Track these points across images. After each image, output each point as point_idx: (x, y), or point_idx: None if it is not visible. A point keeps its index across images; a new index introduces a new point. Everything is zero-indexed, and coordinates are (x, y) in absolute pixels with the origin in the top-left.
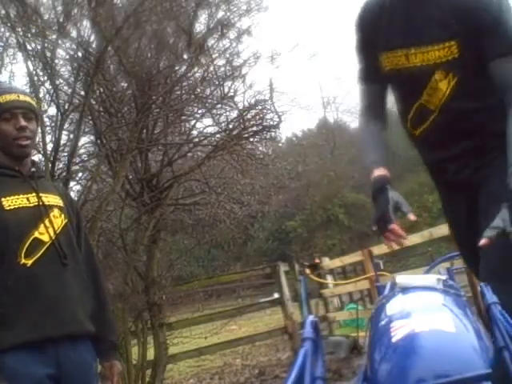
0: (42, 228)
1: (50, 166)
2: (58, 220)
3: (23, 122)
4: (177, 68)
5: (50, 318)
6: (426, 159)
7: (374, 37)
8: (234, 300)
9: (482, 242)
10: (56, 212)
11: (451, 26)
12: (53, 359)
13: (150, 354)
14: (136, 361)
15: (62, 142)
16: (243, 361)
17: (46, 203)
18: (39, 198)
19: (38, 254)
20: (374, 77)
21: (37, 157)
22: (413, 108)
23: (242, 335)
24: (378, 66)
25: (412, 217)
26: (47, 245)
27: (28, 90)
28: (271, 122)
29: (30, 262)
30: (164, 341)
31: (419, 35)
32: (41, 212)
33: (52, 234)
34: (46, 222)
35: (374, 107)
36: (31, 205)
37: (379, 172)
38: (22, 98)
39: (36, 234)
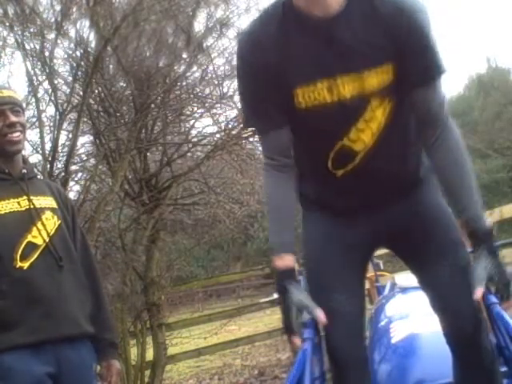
0: (34, 231)
1: (49, 166)
2: (51, 222)
3: (13, 118)
4: (176, 67)
5: (48, 321)
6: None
7: (276, 71)
8: (234, 300)
9: (477, 294)
10: (48, 214)
11: (385, 47)
12: (52, 358)
13: (149, 354)
14: (135, 361)
15: (61, 141)
16: (243, 361)
17: (38, 206)
18: (30, 201)
19: (34, 257)
20: (275, 122)
21: (35, 157)
22: (333, 149)
23: (242, 335)
24: (280, 107)
25: (321, 318)
26: (41, 248)
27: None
28: None
29: (26, 265)
30: (163, 341)
31: (347, 60)
32: (32, 215)
33: (45, 236)
34: (39, 225)
35: (277, 158)
36: (23, 209)
37: (283, 262)
38: (5, 93)
39: (29, 238)
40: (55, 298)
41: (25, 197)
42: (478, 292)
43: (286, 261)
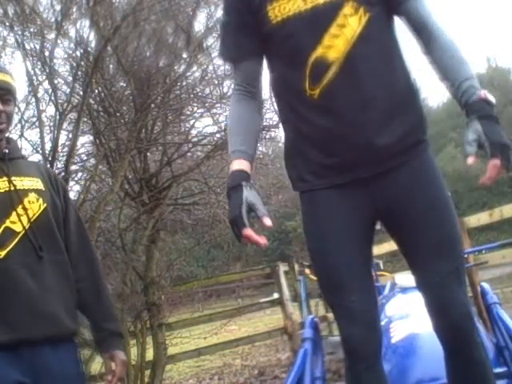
0: (13, 216)
1: (49, 165)
2: (35, 205)
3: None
4: (176, 67)
5: (26, 316)
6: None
7: None
8: (234, 300)
9: (470, 160)
10: (32, 197)
11: None
12: (28, 365)
13: (149, 354)
14: (135, 361)
15: (61, 141)
16: (243, 361)
17: (20, 187)
18: (10, 182)
19: (11, 245)
20: (250, 50)
21: (36, 157)
22: (308, 63)
23: (242, 335)
24: (255, 34)
25: (267, 222)
26: (20, 235)
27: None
28: (271, 122)
29: (3, 254)
30: (163, 341)
31: None
32: (12, 198)
33: (25, 222)
34: (19, 209)
35: (248, 86)
36: (2, 191)
37: (238, 166)
38: (1, 77)
39: (7, 223)
40: (33, 292)
41: (5, 178)
42: (471, 159)
43: (241, 164)
